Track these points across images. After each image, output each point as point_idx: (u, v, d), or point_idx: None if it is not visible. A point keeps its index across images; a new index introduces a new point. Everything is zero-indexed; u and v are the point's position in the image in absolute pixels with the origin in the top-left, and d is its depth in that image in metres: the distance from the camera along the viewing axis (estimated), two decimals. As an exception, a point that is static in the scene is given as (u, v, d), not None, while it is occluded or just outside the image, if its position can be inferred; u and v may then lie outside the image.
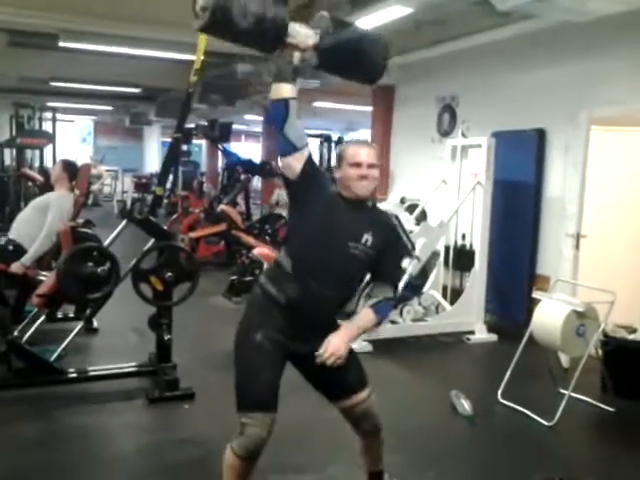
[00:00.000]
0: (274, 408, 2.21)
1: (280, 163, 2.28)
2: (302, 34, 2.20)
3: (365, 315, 2.32)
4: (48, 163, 10.33)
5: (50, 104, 11.76)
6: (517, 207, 5.74)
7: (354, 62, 2.38)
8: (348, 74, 2.53)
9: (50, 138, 10.32)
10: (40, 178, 7.25)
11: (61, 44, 6.51)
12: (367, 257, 2.27)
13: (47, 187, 5.36)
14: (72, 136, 18.84)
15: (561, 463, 3.16)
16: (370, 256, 2.28)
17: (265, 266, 2.51)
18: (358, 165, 2.25)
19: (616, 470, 3.11)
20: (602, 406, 3.87)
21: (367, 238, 2.26)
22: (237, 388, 2.22)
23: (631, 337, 4.09)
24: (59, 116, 11.71)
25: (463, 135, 5.70)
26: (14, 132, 10.46)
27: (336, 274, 2.25)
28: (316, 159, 10.62)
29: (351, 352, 2.30)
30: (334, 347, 2.19)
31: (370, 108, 8.45)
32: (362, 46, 2.36)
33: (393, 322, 5.20)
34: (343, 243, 2.24)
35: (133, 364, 4.00)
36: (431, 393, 4.17)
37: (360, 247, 2.25)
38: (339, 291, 2.31)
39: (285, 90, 2.17)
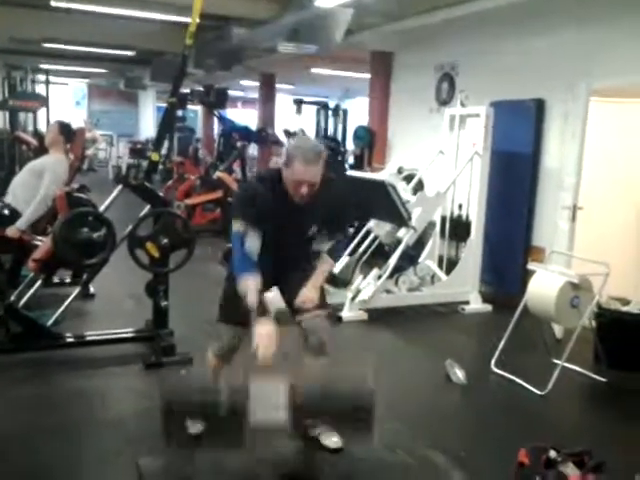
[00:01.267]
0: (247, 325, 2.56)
1: None
2: None
3: (325, 264, 2.74)
4: (42, 126, 10.17)
5: (43, 66, 11.54)
6: (514, 178, 5.72)
7: None
8: None
9: (43, 101, 10.13)
10: (34, 142, 7.15)
11: (53, 3, 6.36)
12: (318, 234, 2.72)
13: (41, 151, 5.28)
14: (66, 99, 18.55)
15: (552, 431, 3.20)
16: (320, 233, 2.72)
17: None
18: (301, 183, 2.52)
19: (606, 439, 3.15)
20: (594, 376, 3.92)
21: (314, 229, 2.69)
22: (219, 307, 2.78)
23: (625, 309, 4.12)
24: (52, 79, 11.47)
25: (462, 104, 5.65)
26: (6, 94, 10.28)
27: (295, 249, 2.73)
28: (312, 127, 10.32)
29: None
30: (308, 298, 2.63)
31: (368, 75, 8.33)
32: None
33: (388, 292, 5.22)
34: (296, 234, 2.68)
35: (130, 329, 4.02)
36: (425, 362, 4.22)
37: (309, 234, 2.70)
38: (303, 252, 2.76)
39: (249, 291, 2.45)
